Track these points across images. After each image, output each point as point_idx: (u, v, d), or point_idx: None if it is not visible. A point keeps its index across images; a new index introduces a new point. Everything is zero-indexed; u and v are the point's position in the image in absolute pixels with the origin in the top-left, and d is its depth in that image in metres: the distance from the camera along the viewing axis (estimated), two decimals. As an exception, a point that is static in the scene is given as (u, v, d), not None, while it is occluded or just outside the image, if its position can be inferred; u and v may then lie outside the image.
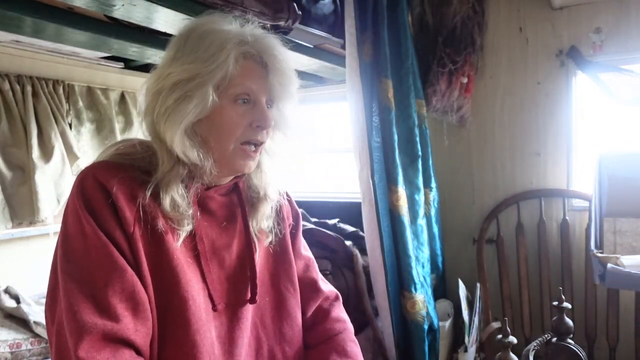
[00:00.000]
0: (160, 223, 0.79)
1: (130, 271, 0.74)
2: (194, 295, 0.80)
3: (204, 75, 0.78)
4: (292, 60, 0.88)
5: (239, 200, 0.93)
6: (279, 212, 1.00)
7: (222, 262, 0.88)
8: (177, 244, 0.80)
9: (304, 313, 1.01)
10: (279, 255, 0.98)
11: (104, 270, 0.73)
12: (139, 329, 0.74)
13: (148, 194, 0.78)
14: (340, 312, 1.06)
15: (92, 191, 0.76)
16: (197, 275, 0.83)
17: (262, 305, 0.92)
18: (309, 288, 1.03)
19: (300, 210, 1.09)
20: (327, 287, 1.08)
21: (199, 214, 0.85)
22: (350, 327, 1.05)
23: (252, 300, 0.89)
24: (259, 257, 0.94)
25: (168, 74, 0.79)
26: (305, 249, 1.08)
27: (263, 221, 0.94)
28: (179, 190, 0.81)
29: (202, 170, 0.82)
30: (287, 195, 1.05)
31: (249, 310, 0.89)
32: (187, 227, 0.82)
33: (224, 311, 0.86)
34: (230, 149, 0.83)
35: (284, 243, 0.99)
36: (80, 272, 0.73)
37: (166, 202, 0.79)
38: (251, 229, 0.92)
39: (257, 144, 0.86)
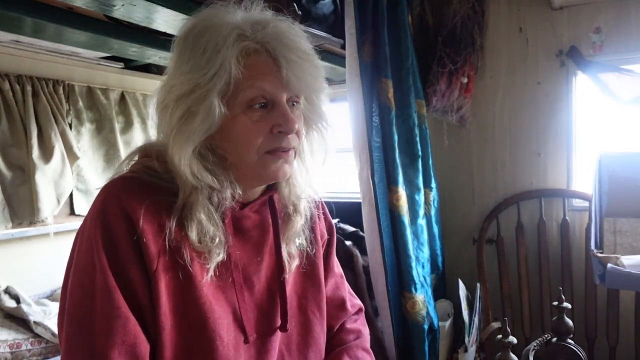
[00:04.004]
0: (187, 254, 0.70)
1: (133, 320, 0.67)
2: (222, 335, 0.74)
3: (203, 85, 0.68)
4: (307, 44, 0.75)
5: (272, 216, 0.82)
6: (312, 229, 0.90)
7: (251, 287, 0.80)
8: (205, 277, 0.72)
9: (328, 330, 0.94)
10: (309, 276, 0.89)
11: (106, 318, 0.66)
12: None
13: (173, 223, 0.69)
14: (358, 324, 1.00)
15: (114, 221, 0.67)
16: (227, 307, 0.76)
17: (288, 331, 0.84)
18: (338, 308, 0.98)
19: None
20: (352, 301, 1.02)
21: (231, 238, 0.75)
22: (365, 336, 0.99)
23: (283, 329, 0.82)
24: (288, 279, 0.85)
25: (171, 87, 0.70)
26: (337, 266, 1.01)
27: (295, 240, 0.85)
28: (206, 214, 0.71)
29: (223, 193, 0.73)
30: (322, 207, 0.95)
31: (277, 339, 0.82)
32: (217, 258, 0.72)
33: (254, 342, 0.79)
34: (254, 160, 0.73)
35: (315, 263, 0.90)
36: (81, 314, 0.67)
37: (192, 232, 0.70)
38: (283, 249, 0.82)
39: (286, 150, 0.75)
